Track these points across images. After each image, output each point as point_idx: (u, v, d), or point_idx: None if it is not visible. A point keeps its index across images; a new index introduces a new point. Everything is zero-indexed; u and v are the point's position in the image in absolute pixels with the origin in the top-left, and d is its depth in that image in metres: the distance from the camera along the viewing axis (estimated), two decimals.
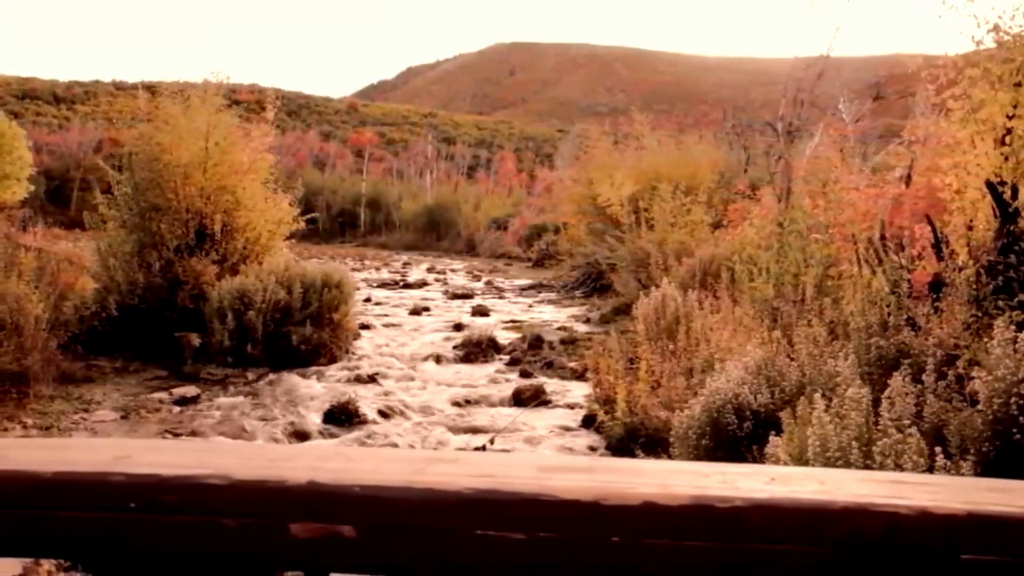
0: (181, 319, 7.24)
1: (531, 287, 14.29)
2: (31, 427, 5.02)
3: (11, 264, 6.67)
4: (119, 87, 48.29)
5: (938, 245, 3.95)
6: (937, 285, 3.91)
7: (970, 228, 3.99)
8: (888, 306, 3.74)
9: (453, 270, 18.55)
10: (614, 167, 12.59)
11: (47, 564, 2.89)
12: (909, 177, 4.90)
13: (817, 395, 2.71)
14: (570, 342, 7.90)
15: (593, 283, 12.68)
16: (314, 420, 5.25)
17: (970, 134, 4.13)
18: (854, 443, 2.50)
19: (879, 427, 2.57)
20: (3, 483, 0.58)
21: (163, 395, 5.84)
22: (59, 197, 28.73)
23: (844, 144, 8.35)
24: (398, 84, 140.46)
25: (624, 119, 19.62)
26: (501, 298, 12.68)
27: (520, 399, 5.71)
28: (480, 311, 10.51)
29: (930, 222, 4.09)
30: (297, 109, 51.40)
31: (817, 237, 5.22)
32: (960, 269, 3.50)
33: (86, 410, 5.49)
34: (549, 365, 6.88)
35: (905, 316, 3.60)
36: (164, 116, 7.70)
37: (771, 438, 2.85)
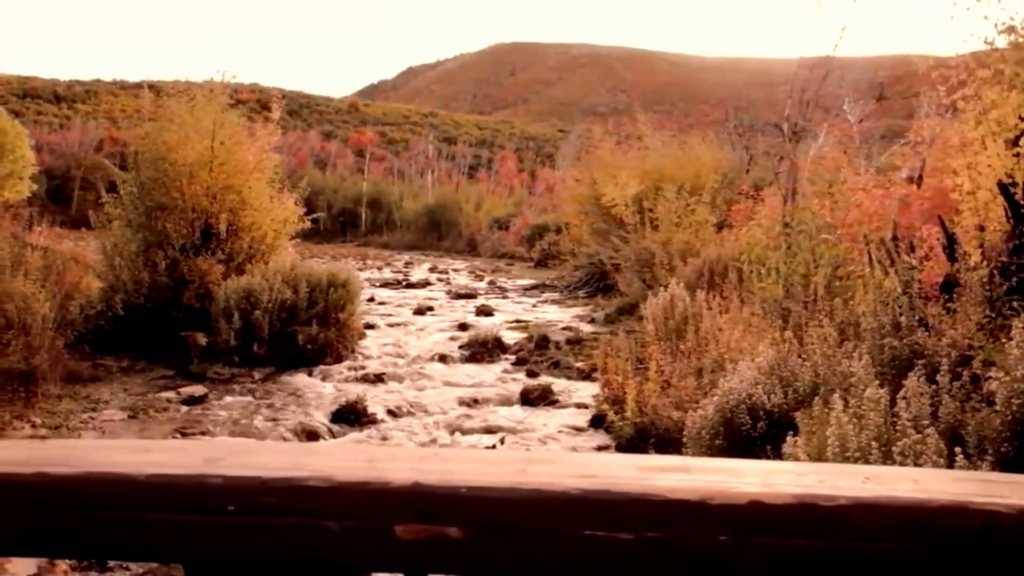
0: (187, 318, 7.24)
1: (534, 287, 14.29)
2: (40, 426, 5.01)
3: (18, 263, 6.67)
4: (120, 86, 48.29)
5: (951, 246, 3.95)
6: (949, 286, 3.91)
7: (982, 229, 3.99)
8: (900, 307, 3.74)
9: (455, 270, 18.54)
10: (618, 167, 12.59)
11: (63, 564, 2.89)
12: (920, 178, 4.89)
13: (835, 395, 2.71)
14: (576, 342, 7.90)
15: (596, 283, 12.68)
16: (323, 420, 5.24)
17: (982, 135, 4.13)
18: (873, 443, 2.50)
19: (897, 427, 2.57)
20: (98, 485, 0.58)
21: (171, 394, 5.84)
22: (60, 196, 28.70)
23: (849, 145, 8.35)
24: (398, 84, 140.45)
25: (625, 119, 19.64)
26: (504, 298, 12.67)
27: (528, 399, 5.70)
28: (484, 311, 10.51)
29: (942, 223, 4.09)
30: (298, 108, 51.40)
31: (826, 237, 5.22)
32: (974, 269, 3.50)
33: (94, 409, 5.48)
34: (556, 365, 6.88)
35: (918, 317, 3.60)
36: (170, 115, 7.69)
37: (788, 438, 2.85)
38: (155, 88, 8.43)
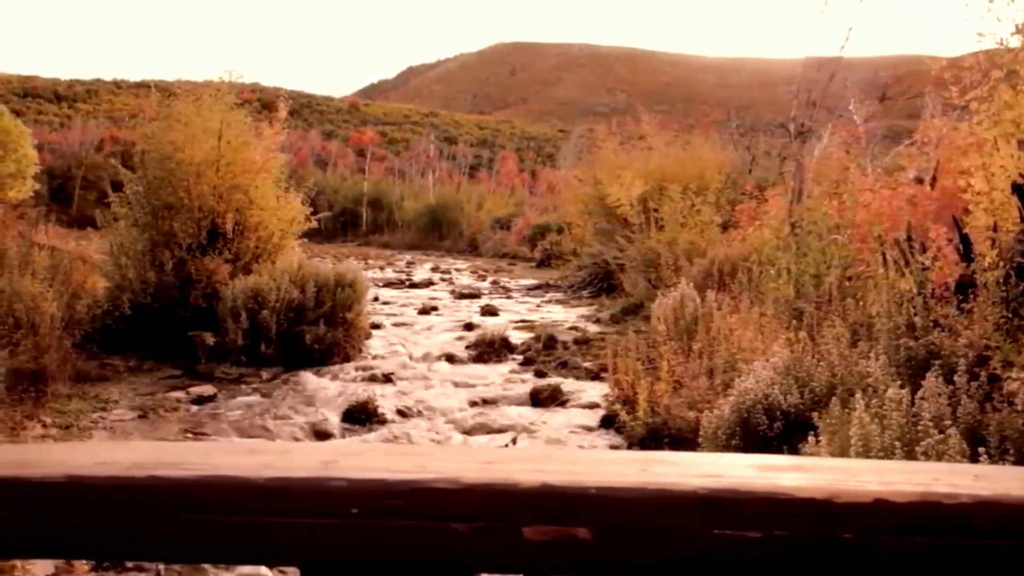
0: (194, 318, 7.23)
1: (537, 287, 14.29)
2: (50, 426, 5.01)
3: (26, 262, 6.67)
4: (120, 85, 48.26)
5: (965, 246, 3.95)
6: (963, 286, 3.91)
7: (995, 229, 3.99)
8: (914, 307, 3.74)
9: (458, 269, 18.54)
10: (621, 167, 12.58)
11: (84, 565, 2.89)
12: (934, 179, 4.89)
13: (858, 395, 2.71)
14: (583, 342, 7.90)
15: (600, 283, 12.67)
16: (333, 419, 5.24)
17: (995, 136, 4.14)
18: (896, 443, 2.51)
19: (919, 427, 2.58)
20: (215, 489, 0.58)
21: (180, 394, 5.84)
22: (61, 196, 28.67)
23: (855, 145, 8.35)
24: (399, 83, 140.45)
25: (626, 119, 19.63)
26: (508, 298, 12.67)
27: (538, 399, 5.70)
28: (489, 311, 10.51)
29: (956, 223, 4.09)
30: (299, 108, 51.33)
31: (837, 238, 5.22)
32: (992, 268, 3.50)
33: (104, 409, 5.48)
34: (563, 365, 6.88)
35: (933, 317, 3.60)
36: (177, 114, 7.69)
37: (810, 438, 2.85)
38: (160, 88, 8.39)
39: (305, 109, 52.84)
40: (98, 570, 2.98)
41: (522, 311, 10.82)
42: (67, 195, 28.68)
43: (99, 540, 0.58)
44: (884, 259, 4.17)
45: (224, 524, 0.58)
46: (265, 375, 6.55)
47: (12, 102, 36.51)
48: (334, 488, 0.57)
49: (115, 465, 0.59)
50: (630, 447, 4.60)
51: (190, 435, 4.95)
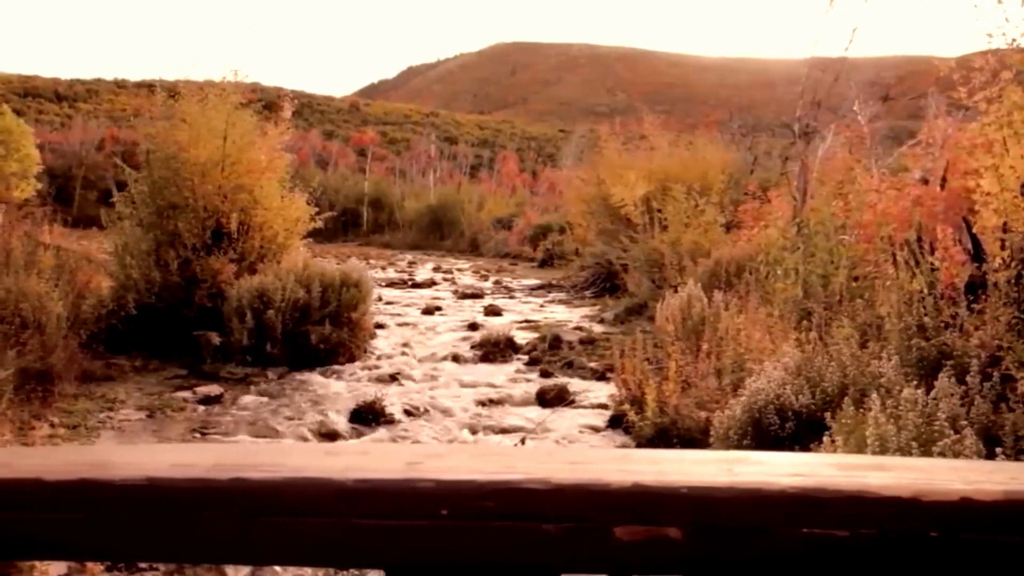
0: (199, 318, 7.23)
1: (540, 287, 14.29)
2: (58, 426, 5.01)
3: (31, 262, 6.67)
4: (121, 85, 48.25)
5: (976, 247, 3.95)
6: (973, 286, 3.91)
7: (1006, 230, 3.99)
8: (925, 307, 3.74)
9: (460, 269, 18.54)
10: (625, 167, 12.59)
11: (98, 565, 2.89)
12: (944, 180, 4.89)
13: (873, 395, 2.71)
14: (588, 342, 7.90)
15: (603, 283, 12.67)
16: (341, 420, 5.24)
17: (1004, 136, 4.14)
18: (913, 443, 2.51)
19: (935, 427, 2.58)
20: (304, 491, 0.58)
21: (186, 394, 5.83)
22: (62, 195, 28.67)
23: (860, 145, 8.35)
24: (399, 83, 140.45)
25: (626, 119, 19.62)
26: (511, 298, 12.67)
27: (545, 399, 5.70)
28: (493, 311, 10.51)
29: (967, 224, 4.09)
30: (299, 108, 51.09)
31: (844, 238, 5.22)
32: (1003, 269, 3.50)
33: (111, 409, 5.48)
34: (569, 365, 6.88)
35: (943, 318, 3.60)
36: (182, 114, 7.68)
37: (825, 438, 2.86)
38: (163, 87, 8.38)
39: (306, 109, 52.83)
40: (112, 570, 2.98)
41: (526, 311, 10.82)
42: (68, 195, 28.68)
43: (176, 544, 0.58)
44: (894, 259, 4.17)
45: (308, 526, 0.57)
46: (271, 375, 6.54)
47: (13, 101, 36.52)
48: (423, 489, 0.57)
49: (195, 467, 0.59)
50: (639, 447, 4.61)
51: (198, 435, 4.95)
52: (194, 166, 7.56)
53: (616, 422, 5.10)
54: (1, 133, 13.84)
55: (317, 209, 8.31)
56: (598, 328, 9.01)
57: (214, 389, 5.94)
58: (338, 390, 6.08)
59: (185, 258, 7.49)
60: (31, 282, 6.21)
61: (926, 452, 2.49)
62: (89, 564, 2.98)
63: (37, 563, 2.55)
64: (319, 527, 0.57)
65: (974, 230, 4.37)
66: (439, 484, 0.57)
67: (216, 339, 6.92)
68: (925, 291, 3.73)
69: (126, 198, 7.72)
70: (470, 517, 0.56)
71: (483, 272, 17.89)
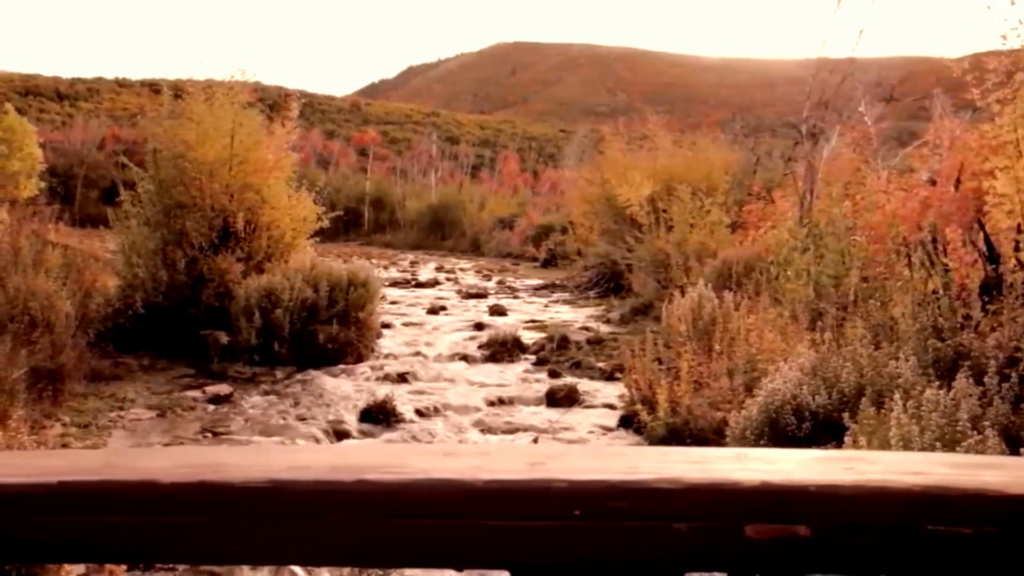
0: (206, 317, 7.23)
1: (544, 287, 14.29)
2: (69, 425, 5.01)
3: (39, 260, 6.67)
4: (121, 84, 48.22)
5: (989, 248, 3.95)
6: (987, 287, 3.92)
7: (1020, 231, 4.00)
8: (940, 308, 3.75)
9: (462, 269, 18.54)
10: (629, 167, 12.59)
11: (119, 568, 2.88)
12: (958, 181, 4.90)
13: (896, 396, 2.72)
14: (596, 342, 7.90)
15: (607, 283, 12.68)
16: (351, 419, 5.24)
17: (1017, 138, 4.14)
18: (937, 443, 2.51)
19: (958, 428, 2.58)
20: (432, 492, 0.58)
21: (196, 393, 5.83)
22: (63, 194, 28.61)
23: (866, 146, 8.36)
24: (399, 83, 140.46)
25: (626, 120, 19.63)
26: (515, 298, 12.67)
27: (554, 399, 5.71)
28: (497, 311, 10.51)
29: (981, 225, 4.10)
30: (301, 107, 51.26)
31: (856, 239, 5.22)
32: (1019, 270, 3.51)
33: (121, 408, 5.48)
34: (577, 365, 6.88)
35: (960, 318, 3.61)
36: (189, 113, 7.68)
37: (846, 439, 2.86)
38: (169, 86, 8.37)
39: (307, 108, 52.64)
40: (131, 570, 2.97)
41: (531, 311, 10.82)
42: (69, 194, 28.64)
43: (299, 546, 0.58)
44: (909, 260, 4.17)
45: (435, 527, 0.57)
46: (279, 374, 6.54)
47: (14, 100, 36.50)
48: (556, 490, 0.57)
49: (313, 469, 0.59)
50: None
51: (209, 434, 4.95)
52: (201, 165, 7.56)
53: (626, 422, 5.11)
54: (5, 132, 13.83)
55: (324, 208, 8.32)
56: (604, 328, 9.01)
57: (223, 388, 5.94)
58: (347, 390, 6.07)
59: (192, 257, 7.49)
60: (39, 281, 6.21)
61: (950, 452, 2.49)
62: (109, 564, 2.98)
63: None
64: (446, 528, 0.57)
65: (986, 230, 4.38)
66: (571, 484, 0.57)
67: (224, 338, 6.91)
68: (941, 292, 3.73)
69: (133, 197, 7.72)
70: (601, 517, 0.57)
71: (486, 272, 17.88)
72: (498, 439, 5.02)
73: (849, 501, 0.57)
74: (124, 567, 2.90)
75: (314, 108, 54.20)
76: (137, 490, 0.58)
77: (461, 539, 0.58)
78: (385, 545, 0.58)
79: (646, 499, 0.57)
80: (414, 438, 4.95)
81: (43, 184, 15.12)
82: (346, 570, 2.60)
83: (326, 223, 8.20)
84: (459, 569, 0.60)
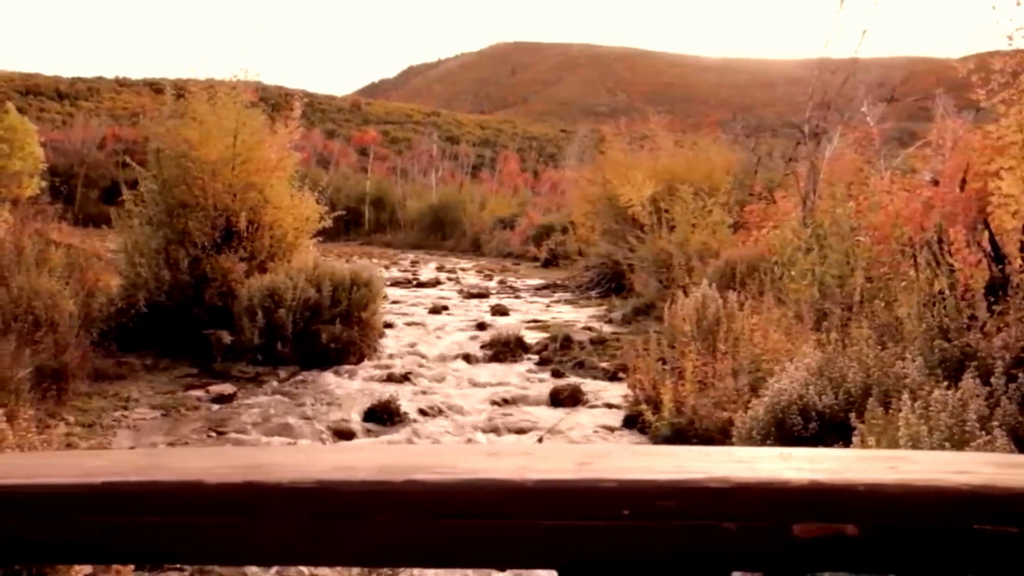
0: (209, 317, 7.22)
1: (545, 287, 14.29)
2: (73, 424, 5.00)
3: (42, 260, 6.67)
4: (122, 83, 48.20)
5: (995, 249, 3.96)
6: (993, 288, 3.92)
7: None
8: (945, 308, 3.75)
9: (463, 269, 18.54)
10: (631, 167, 12.59)
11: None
12: (964, 181, 4.90)
13: (904, 396, 2.72)
14: (599, 342, 7.90)
15: (608, 283, 12.68)
16: (355, 419, 5.24)
17: (1023, 138, 4.15)
18: (946, 444, 2.51)
19: (967, 428, 2.58)
20: (482, 492, 0.58)
21: (199, 393, 5.83)
22: (63, 194, 28.60)
23: (869, 146, 8.36)
24: (399, 83, 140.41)
25: (626, 119, 19.64)
26: (517, 297, 12.67)
27: (558, 399, 5.71)
28: (500, 310, 10.51)
29: (987, 226, 4.10)
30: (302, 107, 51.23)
31: (860, 239, 5.23)
32: None
33: (125, 407, 5.47)
34: (580, 365, 6.88)
35: (966, 318, 3.61)
36: (192, 112, 7.67)
37: (854, 439, 2.86)
38: (173, 85, 8.36)
39: (307, 108, 52.62)
40: (138, 570, 2.97)
41: (532, 311, 10.82)
42: (70, 193, 28.62)
43: (348, 547, 0.58)
44: (915, 261, 4.17)
45: (482, 527, 0.57)
46: (282, 374, 6.54)
47: (14, 99, 36.47)
48: (605, 489, 0.57)
49: (360, 470, 0.59)
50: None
51: (214, 434, 4.95)
52: (204, 164, 7.55)
53: (631, 422, 5.11)
54: (6, 131, 13.81)
55: (326, 208, 8.31)
56: (607, 328, 9.01)
57: (227, 388, 5.94)
58: (350, 389, 6.07)
59: (195, 257, 7.48)
60: (43, 280, 6.21)
61: (959, 452, 2.49)
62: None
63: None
64: (495, 528, 0.57)
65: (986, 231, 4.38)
66: (620, 484, 0.57)
67: (227, 338, 6.91)
68: (947, 292, 3.74)
69: (135, 196, 7.71)
70: (651, 517, 0.57)
71: (487, 272, 17.88)
72: (513, 439, 5.01)
73: (897, 500, 0.57)
74: (131, 567, 2.90)
75: (314, 108, 54.19)
76: (182, 490, 0.58)
77: (509, 539, 0.58)
78: (432, 545, 0.58)
79: (695, 498, 0.57)
80: (418, 438, 4.94)
81: (44, 183, 15.09)
82: (355, 570, 2.60)
83: (329, 223, 8.20)
84: (502, 569, 0.60)
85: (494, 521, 0.57)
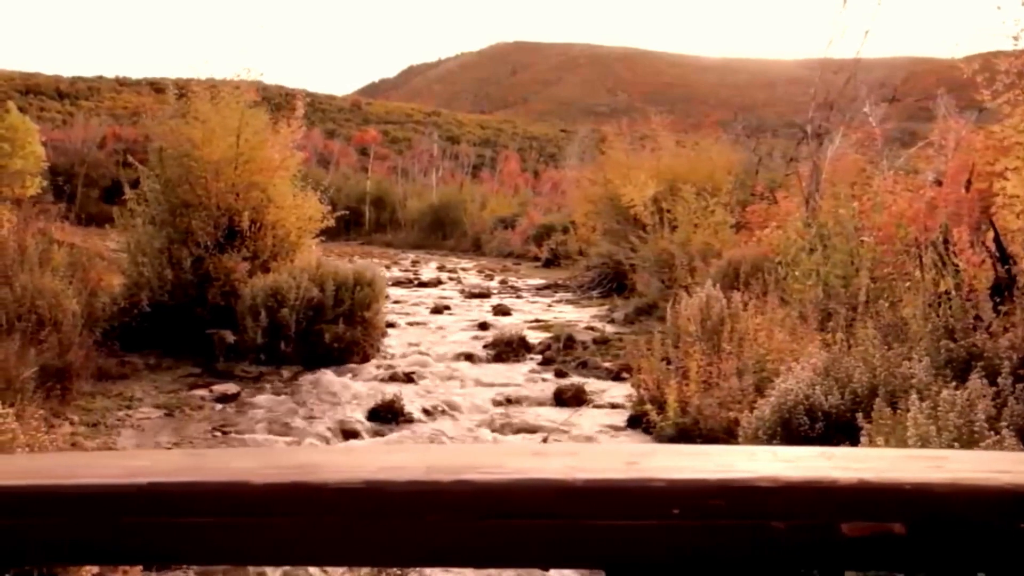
0: (212, 316, 7.22)
1: (546, 287, 14.29)
2: (78, 424, 5.00)
3: (45, 259, 6.67)
4: (122, 83, 48.18)
5: (1000, 249, 3.96)
6: (999, 288, 3.92)
7: None
8: (951, 308, 3.75)
9: (464, 269, 18.54)
10: (632, 167, 12.59)
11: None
12: (969, 182, 4.90)
13: (913, 396, 2.72)
14: (601, 342, 7.90)
15: (609, 283, 12.68)
16: (359, 418, 5.24)
17: None
18: (955, 443, 2.52)
19: (975, 429, 2.59)
20: (530, 492, 0.58)
21: (203, 392, 5.83)
22: (64, 193, 28.58)
23: (871, 146, 8.37)
24: (399, 83, 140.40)
25: (627, 119, 19.63)
26: (519, 297, 12.68)
27: (562, 399, 5.71)
28: (501, 310, 10.51)
29: (993, 226, 4.10)
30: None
31: (864, 239, 5.23)
32: None
33: (128, 407, 5.47)
34: (583, 365, 6.88)
35: (972, 318, 3.61)
36: (195, 112, 7.67)
37: (862, 439, 2.86)
38: (175, 84, 8.35)
39: (308, 108, 52.66)
40: (146, 570, 2.97)
41: (534, 311, 10.83)
42: (70, 192, 28.60)
43: (397, 547, 0.58)
44: (920, 261, 4.17)
45: (531, 527, 0.57)
46: (285, 374, 6.54)
47: (14, 99, 36.43)
48: (655, 488, 0.57)
49: (408, 469, 0.59)
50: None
51: (218, 433, 4.95)
52: (207, 164, 7.55)
53: (635, 422, 5.11)
54: (7, 131, 13.81)
55: (328, 208, 8.31)
56: (609, 328, 9.01)
57: (230, 388, 5.93)
58: (354, 389, 6.07)
59: (198, 256, 7.48)
60: (46, 279, 6.21)
61: (968, 451, 2.50)
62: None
63: None
64: (544, 528, 0.57)
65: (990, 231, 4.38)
66: (670, 483, 0.57)
67: (230, 337, 6.92)
68: (952, 292, 3.74)
69: (138, 196, 7.71)
70: (701, 516, 0.57)
71: (488, 272, 17.89)
72: (518, 439, 5.00)
73: (944, 499, 0.57)
74: (139, 568, 2.90)
75: (315, 107, 54.16)
76: (228, 491, 0.58)
77: (558, 538, 0.58)
78: (480, 545, 0.58)
79: (744, 498, 0.57)
80: (422, 437, 4.94)
81: (46, 183, 15.09)
82: (364, 570, 2.60)
83: (331, 222, 8.20)
84: (546, 568, 0.60)
85: (542, 521, 0.57)
